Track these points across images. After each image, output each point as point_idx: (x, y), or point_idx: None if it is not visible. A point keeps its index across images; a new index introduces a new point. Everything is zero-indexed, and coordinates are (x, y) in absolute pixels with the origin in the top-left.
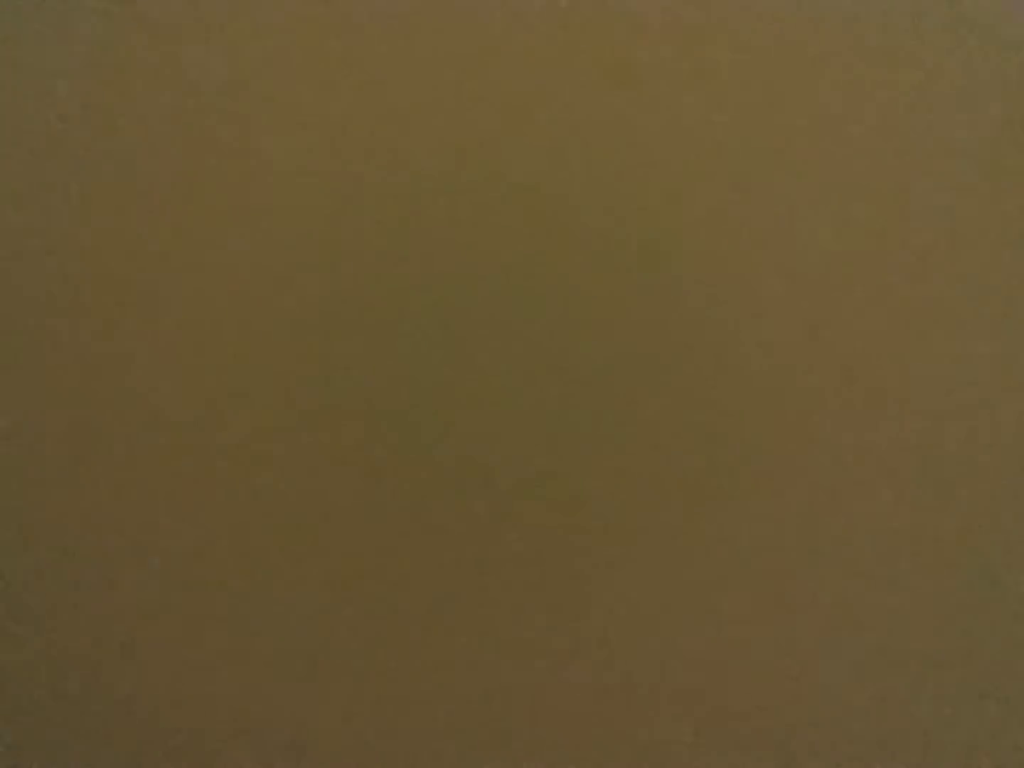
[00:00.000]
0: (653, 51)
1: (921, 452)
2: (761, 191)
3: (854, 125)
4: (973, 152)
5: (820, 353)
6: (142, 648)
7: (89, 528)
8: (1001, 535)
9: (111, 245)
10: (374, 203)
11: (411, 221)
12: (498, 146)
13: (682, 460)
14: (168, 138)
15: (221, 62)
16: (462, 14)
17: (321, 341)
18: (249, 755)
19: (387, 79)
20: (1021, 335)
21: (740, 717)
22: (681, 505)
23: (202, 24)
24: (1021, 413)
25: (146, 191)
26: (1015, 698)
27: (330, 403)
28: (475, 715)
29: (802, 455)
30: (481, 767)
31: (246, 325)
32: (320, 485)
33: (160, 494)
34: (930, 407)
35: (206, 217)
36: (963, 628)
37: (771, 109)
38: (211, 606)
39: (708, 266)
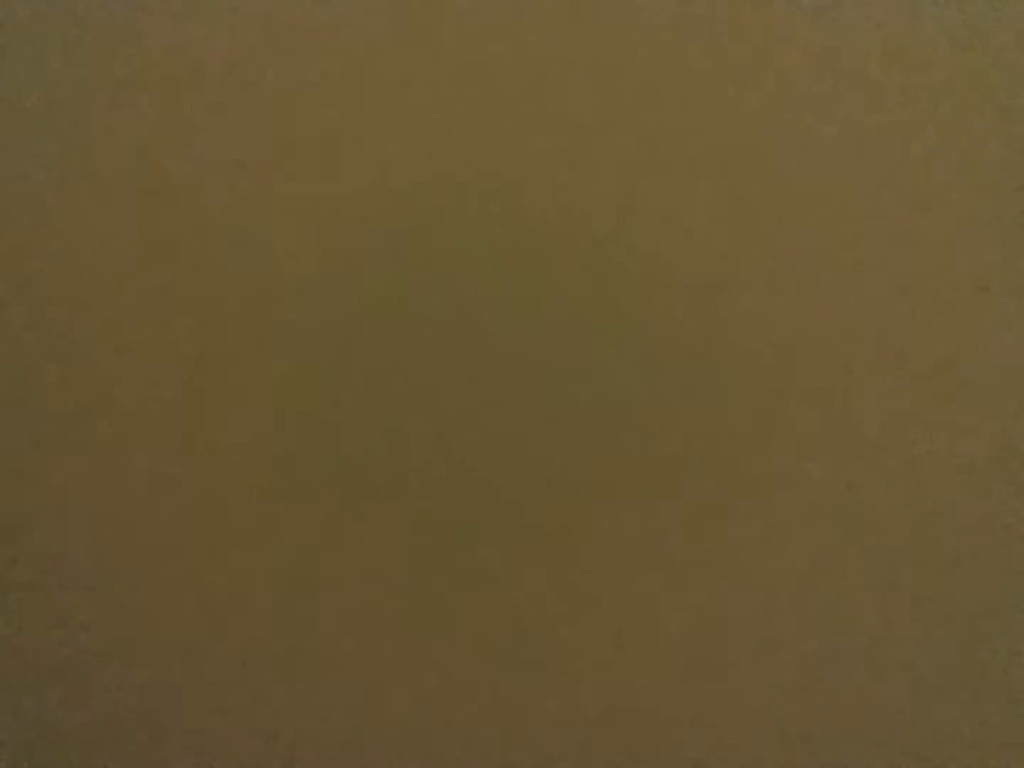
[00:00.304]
0: (651, 52)
1: (923, 459)
2: (762, 191)
3: (854, 124)
4: (974, 151)
5: (821, 356)
6: (143, 650)
7: (89, 530)
8: (1005, 540)
9: (115, 249)
10: (375, 209)
11: (412, 227)
12: (497, 150)
13: (684, 466)
14: (170, 142)
15: (222, 65)
16: (461, 18)
17: (321, 349)
18: (249, 756)
19: (387, 83)
20: (1022, 337)
21: (741, 721)
22: (683, 509)
23: (203, 29)
24: (1021, 414)
25: (147, 193)
26: (1014, 701)
27: (330, 412)
28: (474, 720)
29: (804, 462)
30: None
31: (246, 330)
32: (322, 493)
33: (162, 494)
34: (931, 413)
35: (207, 221)
36: (966, 633)
37: (770, 110)
38: (212, 609)
39: (708, 267)
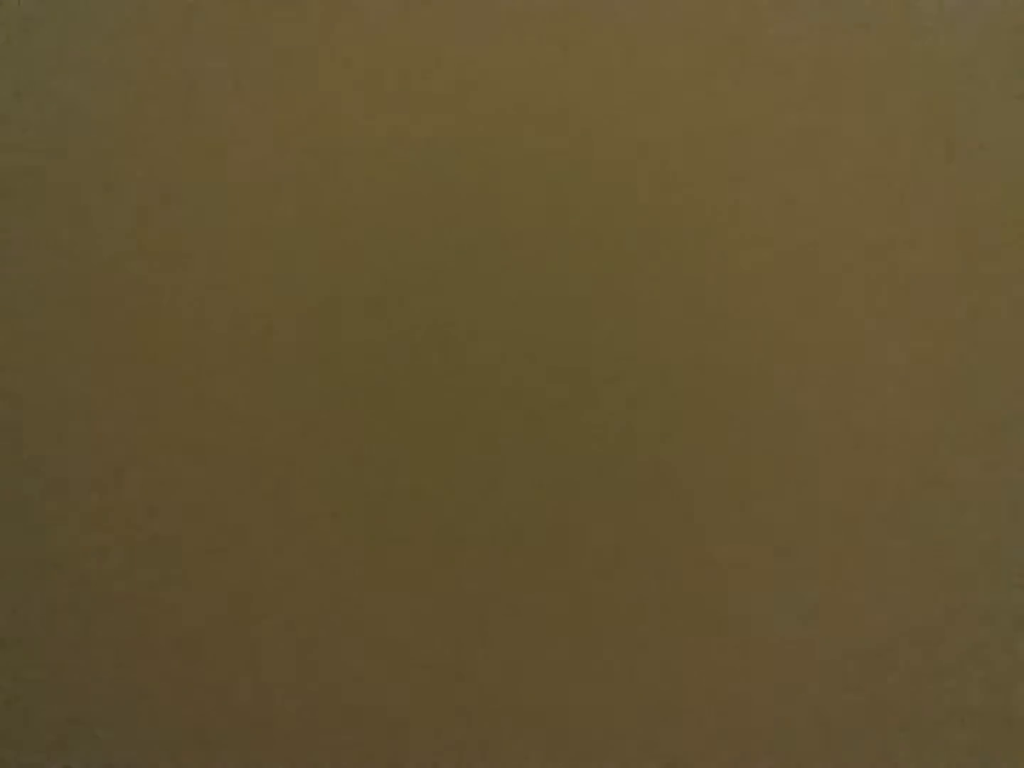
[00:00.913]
0: (653, 48)
1: (925, 457)
2: (762, 187)
3: (852, 120)
4: (975, 148)
5: (823, 354)
6: (143, 646)
7: (91, 531)
8: (1006, 537)
9: (114, 245)
10: (376, 207)
11: (413, 225)
12: (497, 145)
13: (686, 472)
14: (169, 139)
15: (221, 62)
16: (461, 16)
17: (323, 346)
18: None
19: (387, 78)
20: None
21: (743, 729)
22: (682, 511)
23: (202, 25)
24: (1020, 405)
25: (146, 190)
26: (1015, 707)
27: (334, 417)
28: (473, 723)
29: (806, 461)
30: None
31: (247, 326)
32: (322, 497)
33: (166, 490)
34: (932, 410)
35: (208, 216)
36: (969, 636)
37: (769, 102)
38: (213, 607)
39: (711, 269)
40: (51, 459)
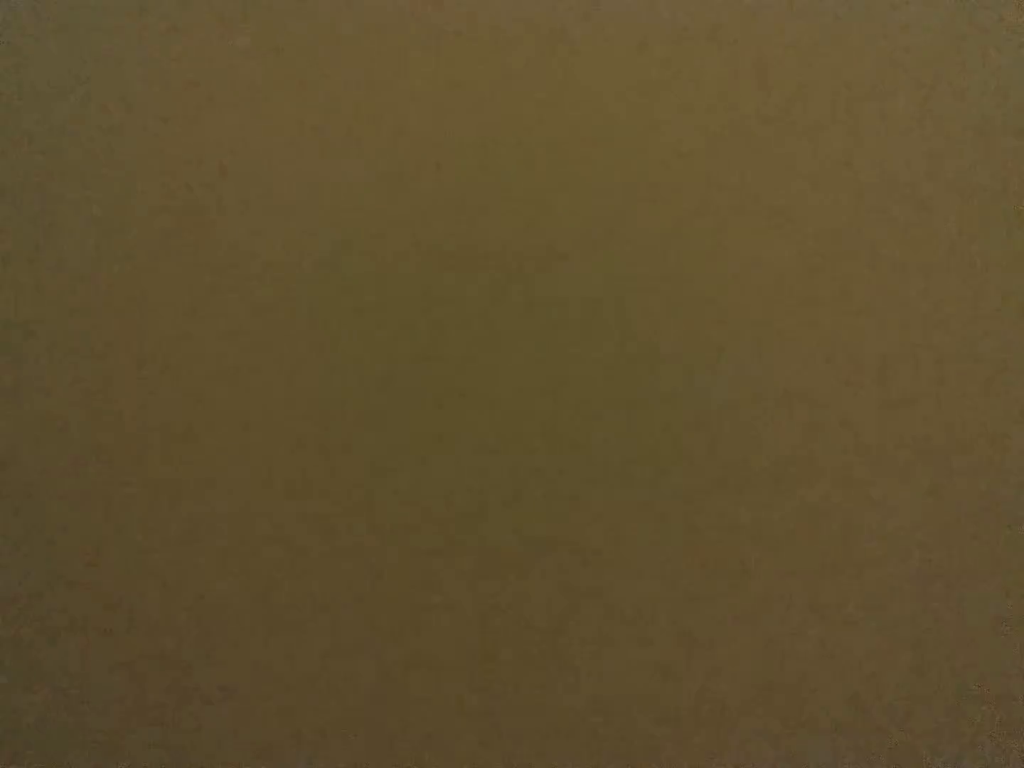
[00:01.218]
0: (654, 53)
1: (926, 454)
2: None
3: (853, 123)
4: (976, 147)
5: (823, 351)
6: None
7: (95, 533)
8: (1006, 534)
9: (117, 248)
10: (375, 208)
11: (414, 230)
12: (495, 147)
13: (684, 468)
14: (169, 142)
15: (219, 64)
16: (461, 21)
17: (324, 348)
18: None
19: (387, 84)
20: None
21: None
22: (681, 505)
23: (203, 26)
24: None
25: (146, 191)
26: (1015, 699)
27: (332, 419)
28: (472, 725)
29: (808, 459)
30: None
31: (248, 329)
32: (322, 499)
33: (167, 495)
34: (933, 406)
35: (210, 217)
36: (972, 632)
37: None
38: (214, 614)
39: (710, 270)
40: (48, 447)
